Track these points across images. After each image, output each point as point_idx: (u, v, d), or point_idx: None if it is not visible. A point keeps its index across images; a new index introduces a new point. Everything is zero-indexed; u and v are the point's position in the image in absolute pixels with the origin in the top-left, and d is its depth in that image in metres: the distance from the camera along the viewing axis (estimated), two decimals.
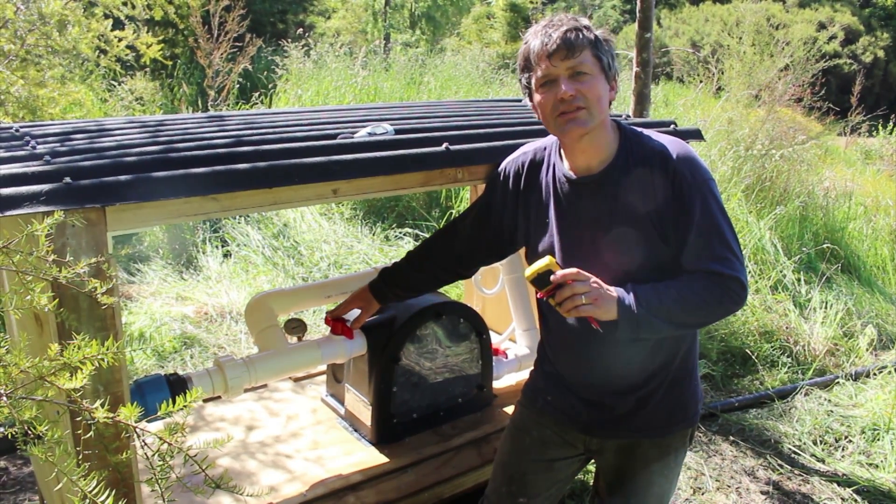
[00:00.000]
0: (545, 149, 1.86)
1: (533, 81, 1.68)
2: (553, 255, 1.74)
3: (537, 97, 1.68)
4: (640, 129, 1.77)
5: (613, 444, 1.88)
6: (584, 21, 1.65)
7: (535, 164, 1.86)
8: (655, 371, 1.79)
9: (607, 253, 1.69)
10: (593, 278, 1.62)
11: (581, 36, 1.61)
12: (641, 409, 1.81)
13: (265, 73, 8.82)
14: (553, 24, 1.63)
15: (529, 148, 1.91)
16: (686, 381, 1.85)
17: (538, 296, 1.65)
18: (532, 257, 1.86)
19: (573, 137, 1.67)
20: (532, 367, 2.06)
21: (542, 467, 1.94)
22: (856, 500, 3.14)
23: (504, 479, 1.98)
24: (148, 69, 8.43)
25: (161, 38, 4.71)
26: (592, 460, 2.02)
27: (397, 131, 2.21)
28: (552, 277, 1.61)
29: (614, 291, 1.63)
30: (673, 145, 1.69)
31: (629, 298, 1.61)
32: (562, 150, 1.79)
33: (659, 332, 1.66)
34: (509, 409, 2.80)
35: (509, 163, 1.94)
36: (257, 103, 7.69)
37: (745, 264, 1.75)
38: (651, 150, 1.69)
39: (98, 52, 4.11)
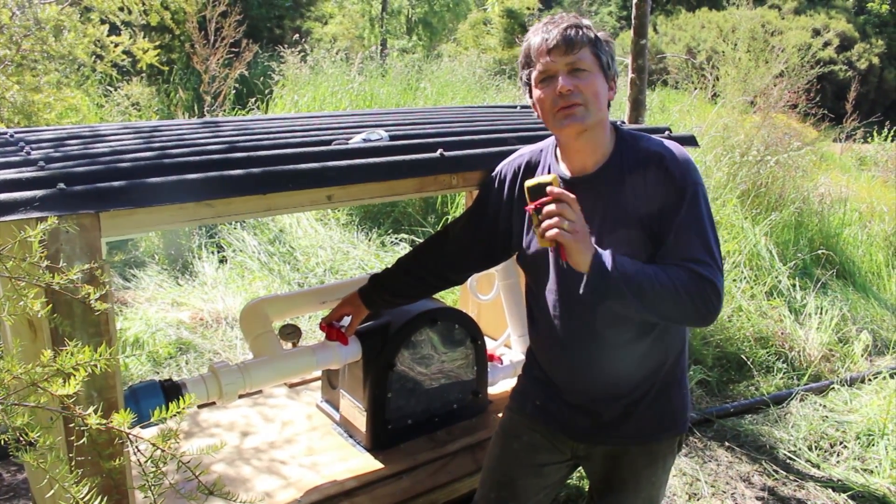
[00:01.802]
0: (542, 151, 1.87)
1: (533, 77, 1.70)
2: (545, 255, 1.76)
3: (537, 93, 1.69)
4: (638, 132, 1.78)
5: (601, 450, 1.88)
6: (585, 21, 1.67)
7: (532, 167, 1.87)
8: (643, 378, 1.79)
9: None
10: (583, 219, 1.61)
11: (581, 33, 1.63)
12: (629, 415, 1.81)
13: (262, 78, 8.83)
14: (554, 21, 1.66)
15: (526, 150, 1.92)
16: (674, 388, 1.84)
17: (528, 207, 1.62)
18: (525, 260, 1.86)
19: (570, 134, 1.68)
20: (520, 373, 2.06)
21: (531, 472, 1.94)
22: None
23: (492, 484, 1.98)
24: (144, 74, 8.42)
25: (157, 43, 4.71)
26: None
27: (392, 137, 2.21)
28: (549, 189, 1.58)
29: (595, 246, 1.61)
30: (669, 148, 1.70)
31: (606, 256, 1.59)
32: (558, 151, 1.80)
33: (622, 300, 1.60)
34: None
35: (505, 165, 1.94)
36: (253, 109, 7.70)
37: (724, 276, 1.73)
38: (646, 151, 1.70)
39: (94, 57, 4.11)
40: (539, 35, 1.66)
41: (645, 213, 1.66)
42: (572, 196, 1.59)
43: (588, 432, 1.87)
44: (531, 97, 1.74)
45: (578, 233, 1.57)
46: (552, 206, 1.57)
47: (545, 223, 1.57)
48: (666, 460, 1.90)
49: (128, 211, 1.56)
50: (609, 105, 1.72)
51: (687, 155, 1.71)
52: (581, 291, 1.61)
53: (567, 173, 1.76)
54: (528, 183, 1.62)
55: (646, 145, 1.72)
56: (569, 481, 3.07)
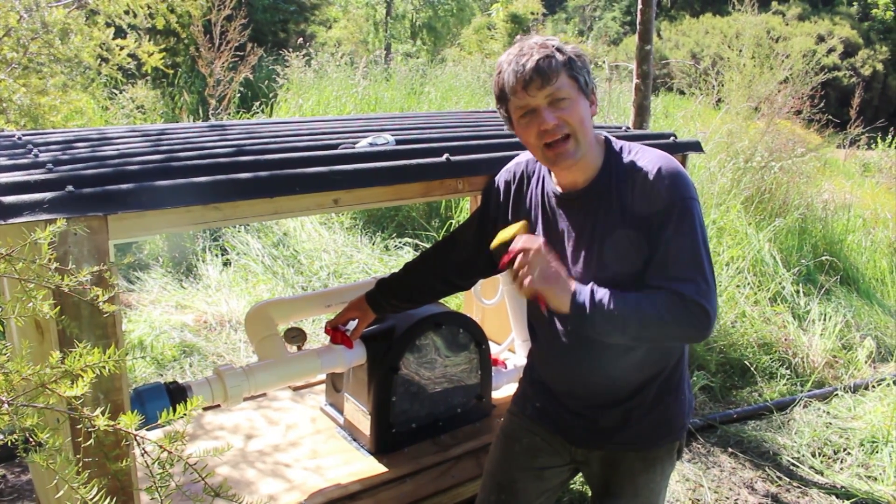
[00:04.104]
0: (537, 160, 1.87)
1: (511, 112, 1.66)
2: None
3: (519, 128, 1.67)
4: (629, 145, 1.74)
5: (599, 455, 1.88)
6: (555, 42, 1.62)
7: (527, 176, 1.87)
8: (640, 385, 1.79)
9: (589, 267, 1.69)
10: (555, 261, 1.62)
11: (554, 62, 1.58)
12: (626, 422, 1.80)
13: (266, 82, 8.85)
14: (524, 52, 1.60)
15: (522, 158, 1.92)
16: (672, 395, 1.83)
17: (500, 264, 1.67)
18: None
19: (562, 168, 1.68)
20: (521, 376, 2.06)
21: (531, 476, 1.93)
22: None
23: (493, 487, 1.97)
24: (149, 78, 8.45)
25: (162, 46, 4.72)
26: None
27: (398, 142, 2.22)
28: (512, 245, 1.62)
29: (573, 285, 1.61)
30: (658, 161, 1.66)
31: (584, 295, 1.59)
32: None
33: (608, 337, 1.63)
34: None
35: (504, 172, 1.95)
36: (258, 112, 7.72)
37: (718, 292, 1.70)
38: (633, 165, 1.67)
39: (100, 60, 4.13)
40: (511, 68, 1.60)
41: (633, 226, 1.64)
42: (538, 243, 1.61)
43: (585, 437, 1.87)
44: (513, 130, 1.71)
45: (549, 277, 1.59)
46: (518, 260, 1.60)
47: (517, 278, 1.61)
48: (664, 467, 1.89)
49: (136, 214, 1.56)
50: (592, 118, 1.69)
51: (678, 168, 1.66)
52: (569, 329, 1.65)
53: (558, 189, 1.76)
54: (493, 245, 1.67)
55: (634, 159, 1.69)
56: (572, 485, 3.07)
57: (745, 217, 5.83)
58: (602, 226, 1.68)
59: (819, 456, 3.56)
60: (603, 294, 1.59)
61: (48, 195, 1.43)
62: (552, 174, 1.78)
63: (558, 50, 1.60)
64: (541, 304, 1.64)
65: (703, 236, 1.64)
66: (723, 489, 3.27)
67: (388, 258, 5.62)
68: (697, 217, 1.63)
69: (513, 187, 1.88)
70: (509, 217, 1.88)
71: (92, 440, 1.13)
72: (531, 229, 1.80)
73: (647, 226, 1.63)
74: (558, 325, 1.79)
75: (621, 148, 1.73)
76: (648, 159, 1.67)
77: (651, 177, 1.63)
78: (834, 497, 3.24)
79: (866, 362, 4.67)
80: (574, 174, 1.71)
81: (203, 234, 5.65)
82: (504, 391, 3.03)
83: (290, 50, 9.36)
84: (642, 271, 1.65)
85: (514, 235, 1.64)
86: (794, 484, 3.34)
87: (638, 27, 4.17)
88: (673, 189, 1.62)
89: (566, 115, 1.60)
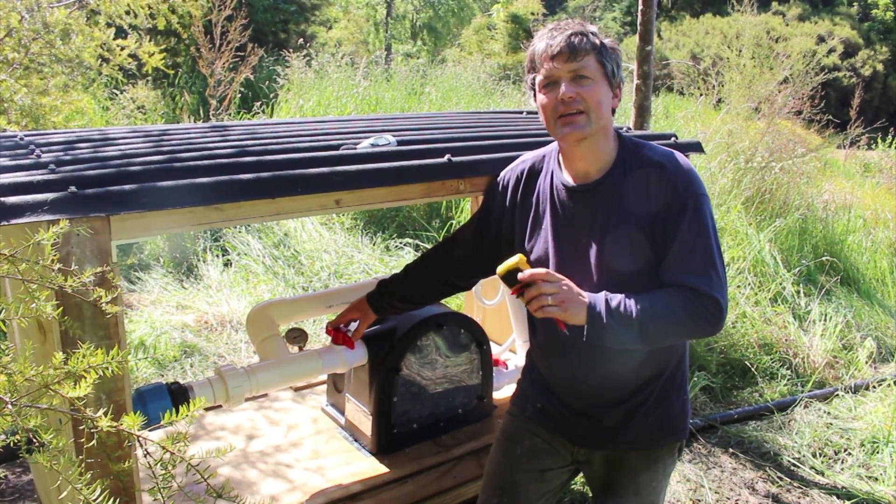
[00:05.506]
0: (544, 157, 1.88)
1: (537, 82, 1.70)
2: (547, 261, 1.77)
3: (540, 97, 1.70)
4: (642, 141, 1.78)
5: (601, 454, 1.89)
6: (592, 27, 1.68)
7: (534, 172, 1.87)
8: (643, 384, 1.80)
9: (600, 260, 1.70)
10: (564, 281, 1.64)
11: (585, 40, 1.63)
12: (628, 421, 1.81)
13: (267, 82, 8.86)
14: (560, 27, 1.67)
15: (528, 156, 1.93)
16: (675, 394, 1.84)
17: (510, 293, 1.68)
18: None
19: (570, 141, 1.69)
20: (520, 377, 2.06)
21: (533, 477, 1.93)
22: None
23: (495, 490, 1.97)
24: (150, 78, 8.45)
25: (163, 47, 4.73)
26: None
27: (400, 142, 2.22)
28: (519, 276, 1.63)
29: (586, 297, 1.63)
30: (671, 157, 1.70)
31: (600, 305, 1.61)
32: (560, 157, 1.80)
33: (626, 343, 1.65)
34: None
35: (508, 171, 1.95)
36: (259, 113, 7.71)
37: (728, 287, 1.73)
38: (649, 160, 1.70)
39: (101, 60, 4.13)
40: (544, 40, 1.66)
41: (646, 220, 1.67)
42: (544, 271, 1.64)
43: (588, 437, 1.87)
44: (535, 101, 1.75)
45: (564, 301, 1.61)
46: (530, 289, 1.62)
47: (531, 305, 1.63)
48: (666, 466, 1.90)
49: (138, 214, 1.57)
50: (613, 112, 1.73)
51: (690, 165, 1.71)
52: (584, 339, 1.65)
53: (569, 180, 1.77)
54: (499, 271, 1.67)
55: (648, 154, 1.72)
56: (572, 485, 3.07)
57: (745, 217, 5.84)
58: (615, 215, 1.69)
59: (820, 456, 3.56)
60: (618, 301, 1.62)
61: (51, 196, 1.44)
62: (562, 167, 1.79)
63: (593, 34, 1.67)
64: (559, 325, 1.66)
65: (714, 231, 1.68)
66: (723, 489, 3.27)
67: (388, 259, 5.62)
68: (709, 212, 1.68)
69: (521, 185, 1.89)
70: (516, 215, 1.89)
71: (94, 441, 1.13)
72: (540, 223, 1.81)
73: (659, 220, 1.66)
74: (557, 327, 1.80)
75: (634, 143, 1.76)
76: (661, 155, 1.71)
77: (665, 172, 1.67)
78: (835, 497, 3.24)
79: (867, 363, 4.67)
80: (586, 163, 1.73)
81: (204, 234, 5.65)
82: (505, 391, 3.03)
83: (291, 50, 9.36)
84: (655, 263, 1.68)
85: (516, 266, 1.65)
86: (795, 484, 3.34)
87: (638, 28, 4.16)
88: (687, 185, 1.66)
89: (585, 92, 1.63)
